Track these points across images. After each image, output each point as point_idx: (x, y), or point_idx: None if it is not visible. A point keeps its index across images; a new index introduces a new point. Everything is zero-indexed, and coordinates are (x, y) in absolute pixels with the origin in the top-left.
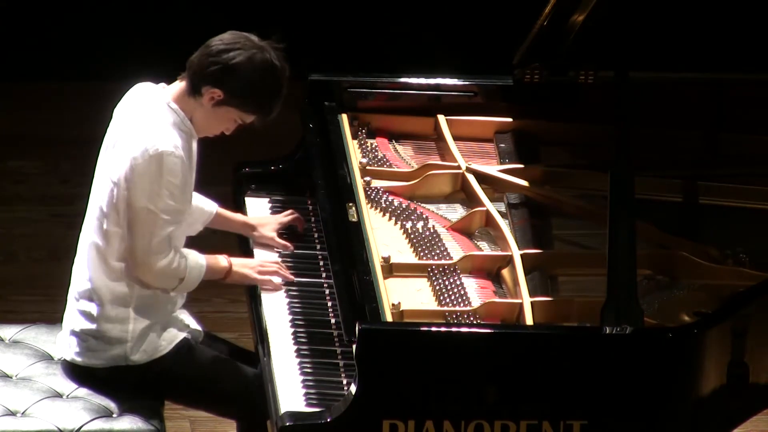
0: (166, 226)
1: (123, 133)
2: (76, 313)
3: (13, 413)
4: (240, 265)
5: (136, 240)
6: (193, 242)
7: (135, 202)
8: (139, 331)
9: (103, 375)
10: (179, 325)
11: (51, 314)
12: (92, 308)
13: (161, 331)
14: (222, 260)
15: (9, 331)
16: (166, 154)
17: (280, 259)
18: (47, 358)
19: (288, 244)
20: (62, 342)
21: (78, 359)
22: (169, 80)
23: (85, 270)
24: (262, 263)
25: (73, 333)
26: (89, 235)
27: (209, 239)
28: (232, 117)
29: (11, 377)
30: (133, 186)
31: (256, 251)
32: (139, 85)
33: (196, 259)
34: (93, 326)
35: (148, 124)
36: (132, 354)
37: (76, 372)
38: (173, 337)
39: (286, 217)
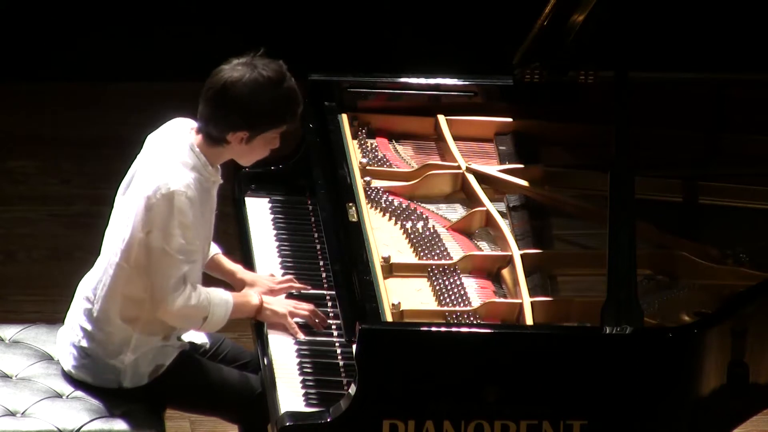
0: (182, 266)
1: (145, 169)
2: (79, 329)
3: (13, 413)
4: (271, 303)
5: (154, 281)
6: None
7: (151, 242)
8: (132, 360)
9: (99, 390)
10: (174, 345)
11: (51, 314)
12: (94, 331)
13: (152, 357)
14: (253, 297)
15: (9, 331)
16: (177, 194)
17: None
18: (47, 358)
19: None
20: (61, 348)
21: (74, 372)
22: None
23: (92, 291)
24: (297, 304)
25: (73, 345)
26: (105, 261)
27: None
28: (269, 138)
29: (11, 377)
30: (149, 225)
31: (258, 262)
32: (176, 119)
33: (221, 295)
34: (91, 346)
35: (166, 163)
36: (123, 381)
37: (75, 381)
38: (165, 358)
39: (280, 284)
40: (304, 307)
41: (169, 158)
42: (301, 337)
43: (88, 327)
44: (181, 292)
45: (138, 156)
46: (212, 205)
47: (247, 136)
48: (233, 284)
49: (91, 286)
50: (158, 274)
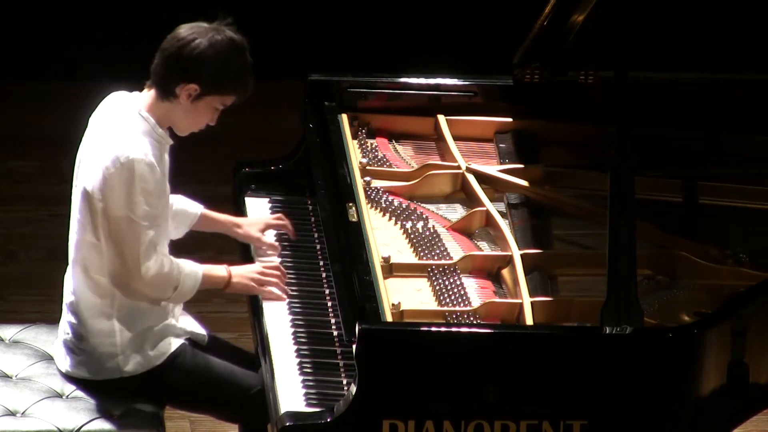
0: (148, 232)
1: (95, 143)
2: (67, 326)
3: (13, 413)
4: (240, 275)
5: (123, 250)
6: (193, 247)
7: (113, 212)
8: (127, 342)
9: (99, 386)
10: (175, 332)
11: (51, 314)
12: (78, 323)
13: (155, 341)
14: (220, 270)
15: (9, 331)
16: (136, 161)
17: (279, 261)
18: (47, 358)
19: (275, 244)
20: (57, 352)
21: (73, 371)
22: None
23: (70, 282)
24: (262, 270)
25: (66, 345)
26: (72, 247)
27: (209, 243)
28: (213, 105)
29: (11, 377)
30: (109, 196)
31: (258, 258)
32: (113, 93)
33: (191, 267)
34: (82, 341)
35: (118, 132)
36: (125, 366)
37: (74, 380)
38: (168, 346)
39: (275, 220)
40: (272, 272)
41: (121, 128)
42: (277, 291)
43: (75, 321)
44: (154, 259)
45: (83, 138)
46: (165, 168)
47: (197, 92)
48: (230, 233)
49: (69, 280)
50: (127, 244)
